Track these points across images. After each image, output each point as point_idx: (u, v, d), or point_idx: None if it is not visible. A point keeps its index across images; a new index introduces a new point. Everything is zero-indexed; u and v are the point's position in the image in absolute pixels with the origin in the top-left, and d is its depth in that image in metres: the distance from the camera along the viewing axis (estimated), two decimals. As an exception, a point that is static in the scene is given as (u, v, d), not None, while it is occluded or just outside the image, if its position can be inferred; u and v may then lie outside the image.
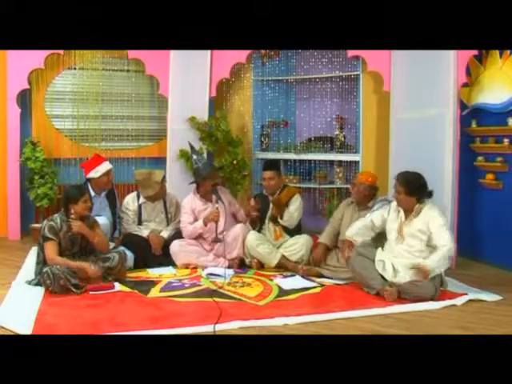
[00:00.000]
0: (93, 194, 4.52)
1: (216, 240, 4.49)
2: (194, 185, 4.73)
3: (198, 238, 4.66)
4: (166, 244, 4.60)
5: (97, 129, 5.96)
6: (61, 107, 5.88)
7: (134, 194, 4.86)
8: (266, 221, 4.68)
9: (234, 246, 4.53)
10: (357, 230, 4.03)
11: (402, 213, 3.86)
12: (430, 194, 3.86)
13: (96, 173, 4.61)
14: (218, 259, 4.55)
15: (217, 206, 4.52)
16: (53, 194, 5.40)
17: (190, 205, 4.66)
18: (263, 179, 4.73)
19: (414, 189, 3.77)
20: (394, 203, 3.94)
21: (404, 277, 3.70)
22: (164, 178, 4.79)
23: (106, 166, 4.68)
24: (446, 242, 3.66)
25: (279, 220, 4.60)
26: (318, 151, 5.95)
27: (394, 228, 3.87)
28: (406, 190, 3.78)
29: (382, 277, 3.79)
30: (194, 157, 4.75)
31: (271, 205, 4.66)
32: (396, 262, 3.79)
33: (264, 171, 4.74)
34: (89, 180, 4.65)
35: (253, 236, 4.53)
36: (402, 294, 3.67)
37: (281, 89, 6.34)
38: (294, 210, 4.61)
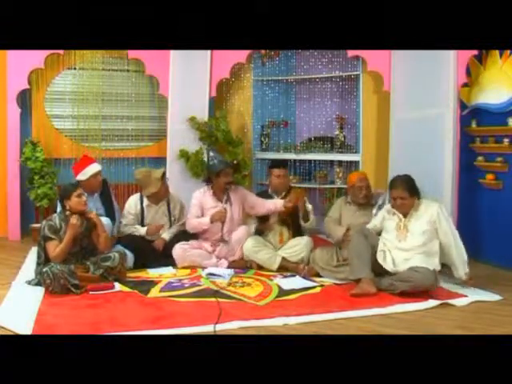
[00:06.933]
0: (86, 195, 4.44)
1: (221, 240, 4.50)
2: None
3: (200, 238, 4.66)
4: (167, 245, 4.57)
5: (97, 129, 5.96)
6: (61, 107, 5.87)
7: (137, 196, 4.73)
8: (271, 222, 4.61)
9: (237, 248, 4.51)
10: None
11: (397, 213, 3.90)
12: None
13: (84, 175, 4.46)
14: (221, 261, 4.53)
15: (224, 206, 4.52)
16: (53, 194, 5.40)
17: (200, 198, 4.63)
18: (276, 177, 4.63)
19: (414, 188, 3.85)
20: (386, 207, 4.02)
21: (403, 267, 3.74)
22: (164, 174, 4.66)
23: (93, 168, 4.52)
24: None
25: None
26: (318, 151, 5.95)
27: (392, 228, 3.89)
28: (409, 193, 3.83)
29: (380, 268, 3.82)
30: (212, 154, 4.66)
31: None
32: (395, 255, 3.82)
33: (274, 169, 4.66)
34: (79, 182, 4.47)
35: (250, 242, 4.45)
36: (402, 284, 3.66)
37: (281, 89, 6.34)
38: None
